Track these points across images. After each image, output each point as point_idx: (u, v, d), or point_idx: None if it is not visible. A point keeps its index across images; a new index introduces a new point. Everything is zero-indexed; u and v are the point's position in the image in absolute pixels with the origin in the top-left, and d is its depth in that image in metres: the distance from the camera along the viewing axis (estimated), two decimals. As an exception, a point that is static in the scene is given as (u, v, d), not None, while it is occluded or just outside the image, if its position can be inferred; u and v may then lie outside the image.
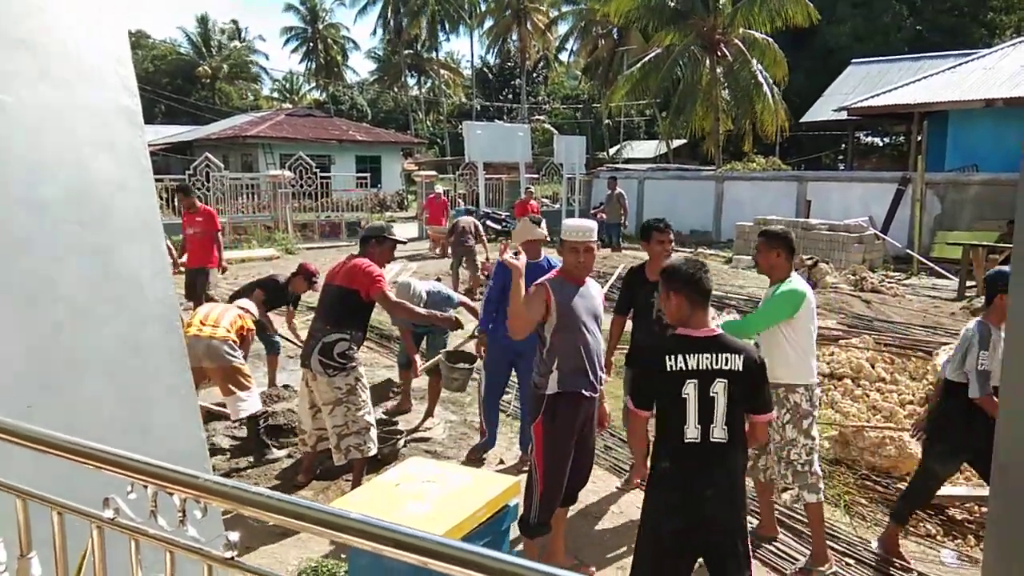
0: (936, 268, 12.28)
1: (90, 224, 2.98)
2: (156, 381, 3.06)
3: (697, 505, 2.59)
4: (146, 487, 1.53)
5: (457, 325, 5.03)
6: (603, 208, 14.99)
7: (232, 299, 6.12)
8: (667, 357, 2.65)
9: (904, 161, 27.01)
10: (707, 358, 2.65)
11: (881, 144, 32.50)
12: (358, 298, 4.33)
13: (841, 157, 31.83)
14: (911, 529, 4.29)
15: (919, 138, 17.23)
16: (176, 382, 3.15)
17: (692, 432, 2.62)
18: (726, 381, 2.64)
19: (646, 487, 2.79)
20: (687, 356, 2.64)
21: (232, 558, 1.43)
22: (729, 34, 20.57)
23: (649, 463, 2.81)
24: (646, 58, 22.10)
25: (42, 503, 1.70)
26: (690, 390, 2.63)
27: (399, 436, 5.23)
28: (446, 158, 38.62)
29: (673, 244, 4.40)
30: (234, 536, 1.44)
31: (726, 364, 2.66)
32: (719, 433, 2.63)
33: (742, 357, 2.67)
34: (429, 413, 5.80)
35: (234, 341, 5.01)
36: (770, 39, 20.31)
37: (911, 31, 29.95)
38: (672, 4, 20.77)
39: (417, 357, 5.35)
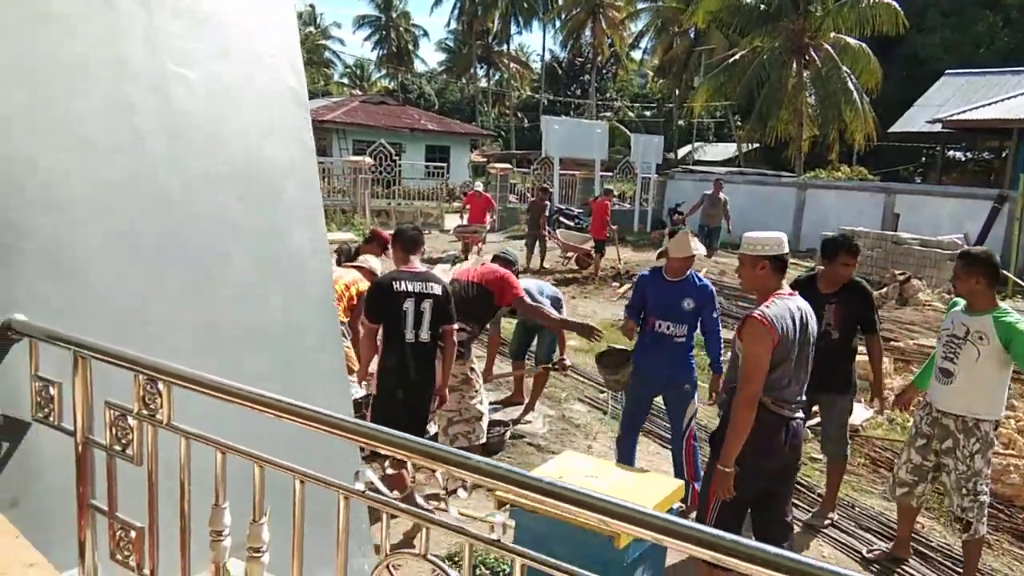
0: (1034, 291, 11.80)
1: (260, 202, 3.04)
2: (313, 360, 3.12)
3: (414, 381, 3.96)
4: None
5: (590, 332, 4.91)
6: (700, 204, 14.61)
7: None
8: (394, 282, 4.00)
9: (987, 177, 26.06)
10: (419, 285, 3.99)
11: (964, 159, 31.40)
12: (489, 300, 4.62)
13: (920, 170, 30.84)
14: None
15: (1017, 155, 16.55)
16: (331, 362, 3.20)
17: (409, 335, 3.93)
18: (431, 301, 3.95)
19: (379, 374, 4.05)
20: (406, 282, 3.98)
21: (497, 540, 1.44)
22: (818, 38, 20.08)
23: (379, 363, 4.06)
24: (730, 60, 21.73)
25: (283, 471, 1.74)
26: (408, 305, 3.92)
27: (506, 427, 5.26)
28: (511, 151, 38.65)
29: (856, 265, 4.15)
30: (500, 517, 1.44)
31: (430, 290, 3.99)
32: (424, 336, 3.95)
33: (440, 286, 4.05)
34: (530, 407, 5.81)
35: (341, 321, 5.03)
36: (864, 44, 19.75)
37: (1004, 44, 28.82)
38: (762, 6, 20.37)
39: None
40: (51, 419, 2.16)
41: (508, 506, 2.52)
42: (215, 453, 1.86)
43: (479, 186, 15.85)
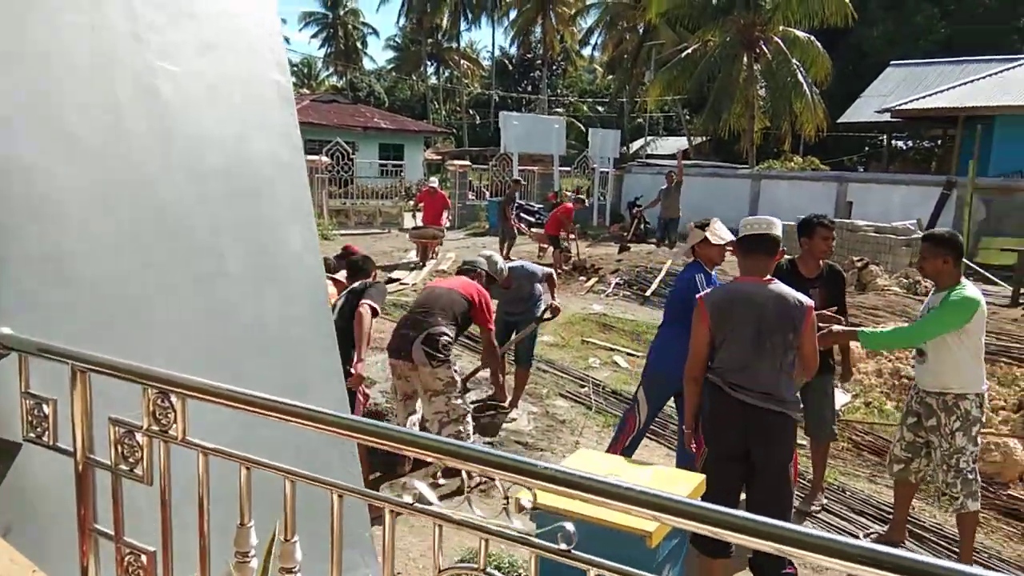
0: (986, 274, 12.16)
1: (250, 200, 2.92)
2: (309, 362, 3.01)
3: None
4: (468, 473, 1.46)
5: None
6: (658, 201, 14.66)
7: None
8: None
9: (928, 165, 26.84)
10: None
11: (904, 148, 32.26)
12: (469, 310, 4.61)
13: (863, 160, 31.64)
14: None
15: (962, 142, 17.06)
16: (326, 363, 3.09)
17: None
18: (348, 292, 4.38)
19: None
20: None
21: (568, 550, 1.37)
22: (768, 31, 20.39)
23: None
24: (682, 55, 21.93)
25: (320, 486, 1.63)
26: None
27: (495, 411, 5.39)
28: (465, 148, 38.48)
29: (834, 240, 4.27)
30: (570, 527, 1.37)
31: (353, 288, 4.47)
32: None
33: (362, 284, 4.47)
34: (514, 404, 5.74)
35: None
36: (812, 37, 20.12)
37: (942, 35, 29.70)
38: (713, 1, 20.59)
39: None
40: (45, 439, 2.00)
41: (530, 507, 2.43)
42: (239, 469, 1.74)
43: (434, 182, 14.44)
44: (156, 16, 2.65)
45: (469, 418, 4.49)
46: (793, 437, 3.14)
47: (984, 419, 3.67)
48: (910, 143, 31.59)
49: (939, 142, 26.36)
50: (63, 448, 1.97)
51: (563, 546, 1.36)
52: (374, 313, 4.66)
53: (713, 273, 4.16)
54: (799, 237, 4.25)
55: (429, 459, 1.56)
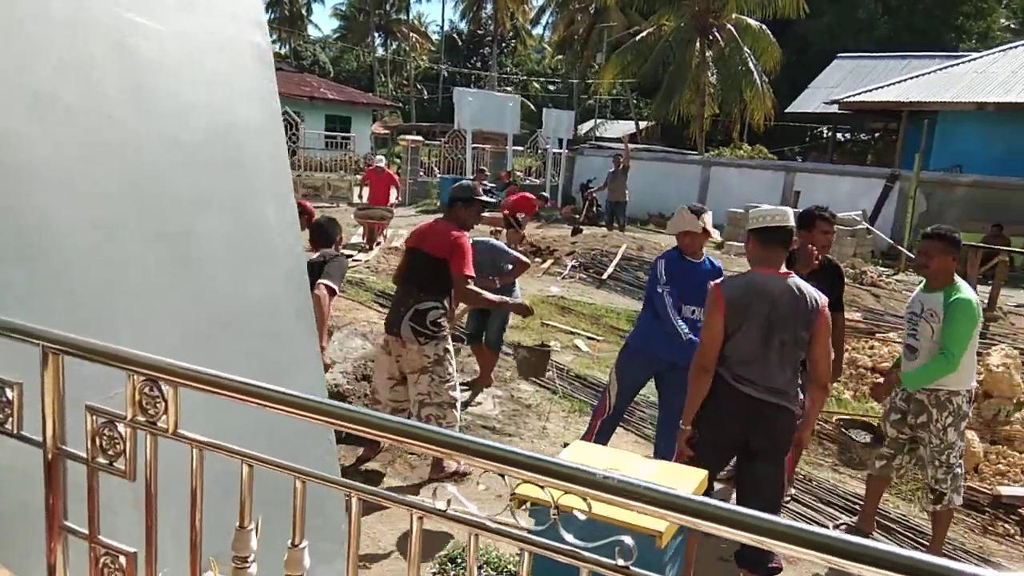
0: (926, 266, 12.53)
1: (229, 170, 2.73)
2: (288, 345, 2.85)
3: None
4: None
5: (527, 311, 4.89)
6: (605, 185, 14.75)
7: None
8: None
9: (864, 157, 27.61)
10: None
11: (843, 140, 33.04)
12: (444, 267, 4.15)
13: (802, 150, 32.37)
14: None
15: (904, 136, 17.55)
16: (305, 347, 2.93)
17: None
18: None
19: None
20: None
21: (627, 567, 1.26)
22: (721, 18, 20.55)
23: None
24: (636, 38, 21.96)
25: (337, 488, 1.50)
26: None
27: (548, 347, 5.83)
28: (413, 123, 37.87)
29: (835, 234, 4.22)
30: (629, 540, 1.26)
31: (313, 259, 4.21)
32: None
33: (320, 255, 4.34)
34: (479, 389, 5.62)
35: None
36: (764, 26, 20.37)
37: (884, 30, 30.51)
38: (669, -15, 20.67)
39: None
40: (9, 426, 1.80)
41: (528, 504, 2.33)
42: (240, 465, 1.59)
43: (381, 160, 13.19)
44: (129, -33, 2.41)
45: (456, 407, 4.19)
46: (793, 429, 3.11)
47: (971, 414, 3.70)
48: (848, 135, 32.39)
49: (877, 135, 27.11)
50: (29, 437, 1.78)
51: (620, 562, 1.25)
52: (331, 293, 4.37)
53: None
54: (797, 230, 4.18)
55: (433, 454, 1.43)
